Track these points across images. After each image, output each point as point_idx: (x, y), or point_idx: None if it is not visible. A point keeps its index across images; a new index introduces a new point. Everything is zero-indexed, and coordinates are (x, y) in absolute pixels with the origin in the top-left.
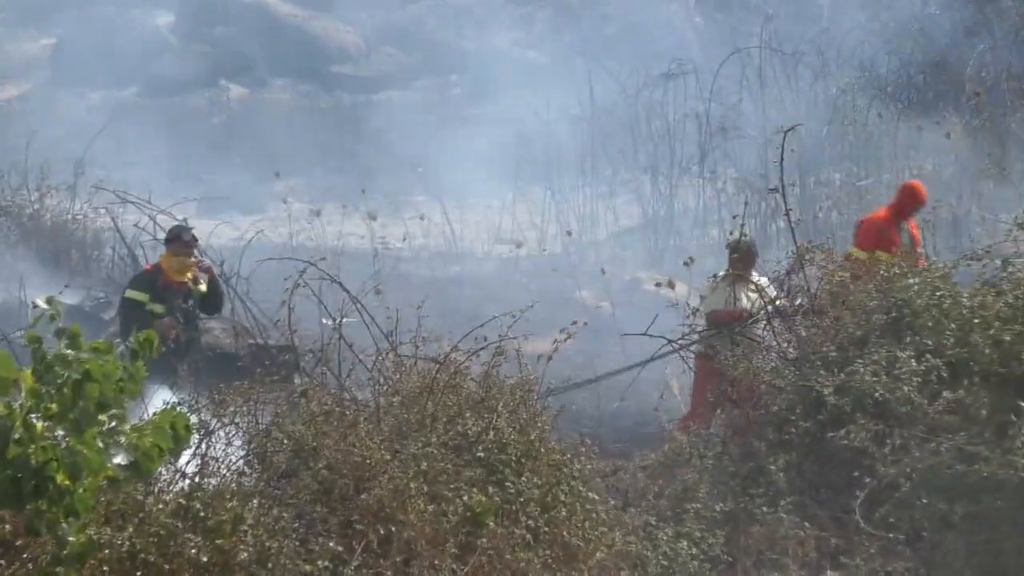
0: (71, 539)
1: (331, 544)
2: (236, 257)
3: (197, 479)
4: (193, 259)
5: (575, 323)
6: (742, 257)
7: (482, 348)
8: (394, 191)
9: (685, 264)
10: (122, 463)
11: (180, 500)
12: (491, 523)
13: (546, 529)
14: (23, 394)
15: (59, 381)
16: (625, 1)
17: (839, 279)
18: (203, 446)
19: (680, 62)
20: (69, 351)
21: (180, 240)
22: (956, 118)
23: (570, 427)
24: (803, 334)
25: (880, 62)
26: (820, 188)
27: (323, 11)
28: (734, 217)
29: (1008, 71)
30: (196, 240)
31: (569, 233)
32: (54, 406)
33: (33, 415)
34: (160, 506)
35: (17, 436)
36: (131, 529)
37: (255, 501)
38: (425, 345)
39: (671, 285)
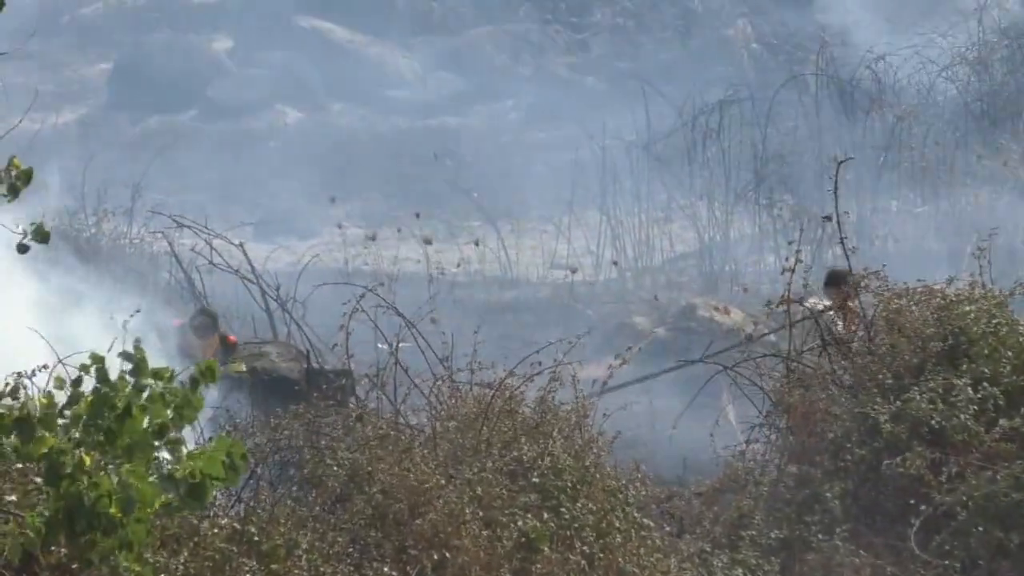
0: (126, 566)
1: (385, 569)
2: (292, 281)
3: (252, 503)
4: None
5: (629, 348)
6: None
7: (537, 374)
8: (450, 216)
9: (744, 290)
10: (179, 494)
11: (235, 524)
12: (546, 549)
13: (601, 555)
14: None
15: (106, 414)
16: (681, 27)
17: (895, 306)
18: (258, 470)
19: (736, 88)
20: (127, 377)
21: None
22: (1014, 145)
23: (625, 453)
24: (859, 361)
25: (937, 89)
26: (877, 215)
27: (380, 36)
28: (790, 243)
29: None
30: (207, 322)
31: (615, 263)
32: (102, 436)
33: (82, 447)
34: (215, 531)
35: (68, 470)
36: (186, 554)
37: (309, 526)
38: (480, 371)
39: (726, 311)
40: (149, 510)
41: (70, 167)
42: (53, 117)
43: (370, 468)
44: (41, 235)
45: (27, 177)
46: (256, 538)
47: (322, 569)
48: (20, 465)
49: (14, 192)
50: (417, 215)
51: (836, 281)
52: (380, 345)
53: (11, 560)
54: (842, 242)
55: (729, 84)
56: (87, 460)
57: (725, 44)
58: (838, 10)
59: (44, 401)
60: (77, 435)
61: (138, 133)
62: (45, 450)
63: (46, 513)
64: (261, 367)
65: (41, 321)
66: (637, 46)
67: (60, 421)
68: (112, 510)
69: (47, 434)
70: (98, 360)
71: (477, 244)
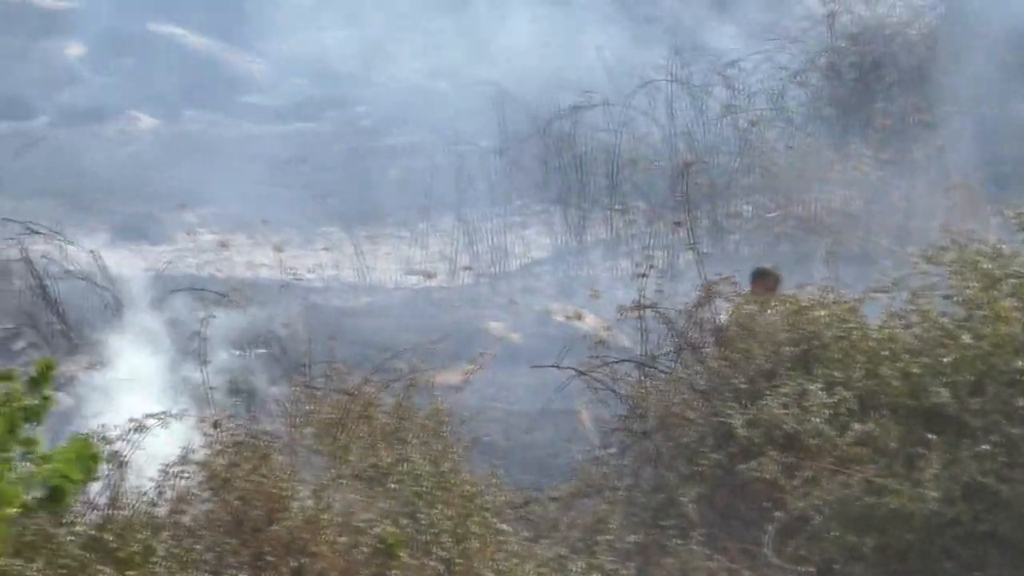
0: None
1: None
2: (144, 288)
3: (108, 510)
4: None
5: (483, 354)
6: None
7: (395, 380)
8: (304, 222)
9: (595, 295)
10: (37, 496)
11: (91, 531)
12: (403, 555)
13: (458, 561)
14: None
15: None
16: (533, 34)
17: (748, 311)
18: (115, 476)
19: (589, 94)
20: None
21: None
22: (865, 150)
23: (482, 459)
24: (713, 366)
25: (789, 94)
26: (730, 220)
27: (231, 41)
28: (642, 249)
29: (916, 106)
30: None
31: (469, 268)
32: None
33: None
34: (71, 537)
35: None
36: (41, 561)
37: (166, 532)
38: (337, 376)
39: (579, 317)
40: (9, 511)
41: None
42: None
43: (227, 475)
44: None
45: None
46: (113, 545)
47: None
48: None
49: None
50: (264, 222)
51: (762, 277)
52: (235, 351)
53: None
54: (693, 247)
55: (582, 90)
56: None
57: (578, 50)
58: (688, 16)
59: None
60: None
61: None
62: None
63: None
64: None
65: None
66: (489, 51)
67: None
68: None
69: None
70: None
71: (330, 250)
